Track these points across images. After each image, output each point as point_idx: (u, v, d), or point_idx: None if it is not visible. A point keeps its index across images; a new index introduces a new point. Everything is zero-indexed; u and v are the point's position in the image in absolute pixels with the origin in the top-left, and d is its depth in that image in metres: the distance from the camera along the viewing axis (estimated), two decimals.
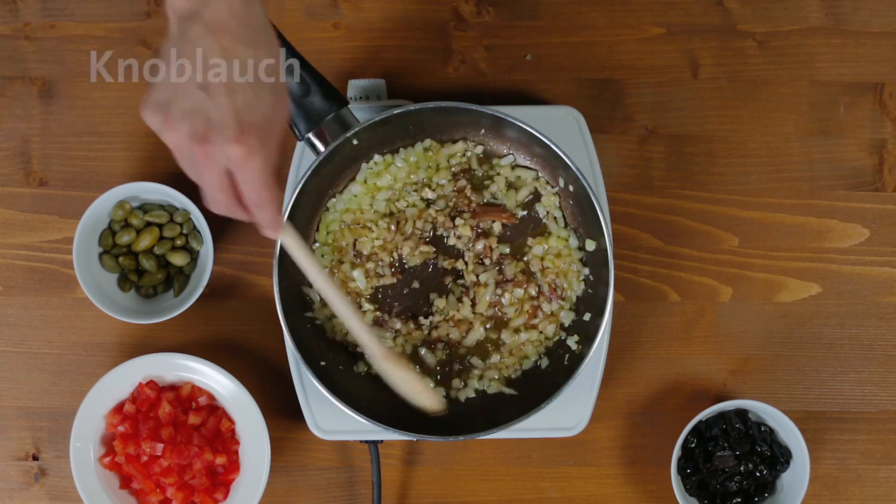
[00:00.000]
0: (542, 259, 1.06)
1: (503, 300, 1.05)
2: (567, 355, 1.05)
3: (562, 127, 1.08)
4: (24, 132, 1.16)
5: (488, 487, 1.15)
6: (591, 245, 1.05)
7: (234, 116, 0.74)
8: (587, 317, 1.05)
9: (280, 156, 0.79)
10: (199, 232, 1.12)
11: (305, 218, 1.05)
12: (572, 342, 1.05)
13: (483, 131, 1.06)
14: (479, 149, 1.07)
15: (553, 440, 1.14)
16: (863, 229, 1.16)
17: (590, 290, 1.06)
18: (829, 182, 1.17)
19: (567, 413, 1.07)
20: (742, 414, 1.11)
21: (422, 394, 1.01)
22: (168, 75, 0.75)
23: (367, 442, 1.09)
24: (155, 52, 0.76)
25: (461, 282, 1.06)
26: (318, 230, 1.07)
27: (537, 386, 1.05)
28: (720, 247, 1.16)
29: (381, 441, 1.10)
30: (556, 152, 1.00)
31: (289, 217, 1.01)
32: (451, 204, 1.06)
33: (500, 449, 1.15)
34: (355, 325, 0.98)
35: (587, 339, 1.03)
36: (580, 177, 1.00)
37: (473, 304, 1.05)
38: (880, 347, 1.16)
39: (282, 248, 1.01)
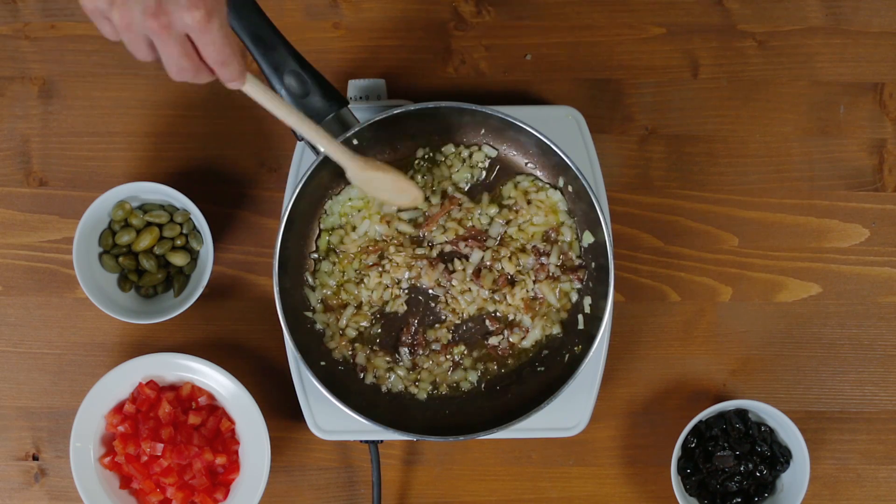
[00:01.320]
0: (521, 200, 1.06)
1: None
2: (567, 355, 1.05)
3: (562, 127, 1.08)
4: (24, 132, 1.16)
5: (488, 487, 1.15)
6: (588, 238, 1.05)
7: None
8: (588, 305, 1.05)
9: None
10: (199, 232, 1.12)
11: (305, 218, 1.05)
12: (587, 304, 1.05)
13: (483, 131, 1.06)
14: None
15: (553, 440, 1.14)
16: (863, 229, 1.16)
17: (589, 289, 1.06)
18: (829, 182, 1.17)
19: (567, 413, 1.07)
20: (742, 414, 1.11)
21: (406, 190, 1.01)
22: None
23: (367, 442, 1.09)
24: None
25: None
26: (318, 237, 1.07)
27: (537, 386, 1.05)
28: (720, 247, 1.16)
29: (381, 441, 1.10)
30: (556, 152, 1.00)
31: (288, 217, 1.01)
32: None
33: (500, 449, 1.15)
34: (329, 146, 0.96)
35: (587, 339, 1.03)
36: (580, 177, 1.00)
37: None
38: (880, 347, 1.16)
39: (282, 248, 1.01)
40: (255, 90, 0.87)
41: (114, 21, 0.75)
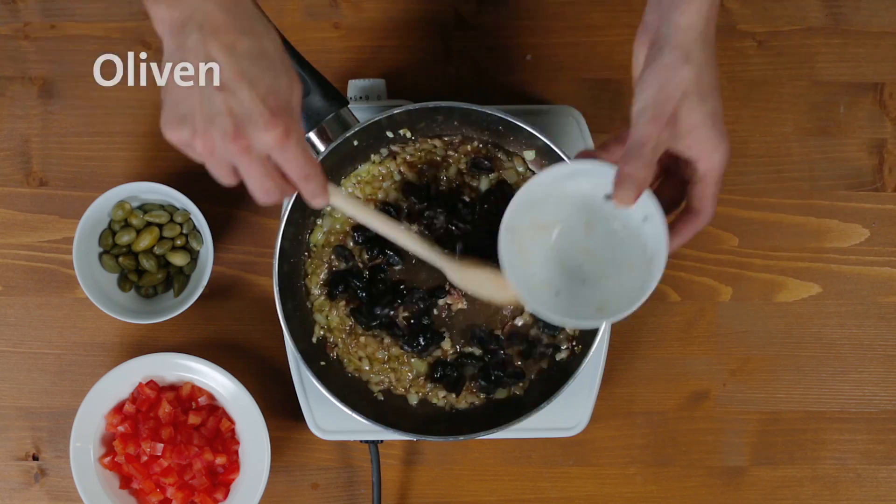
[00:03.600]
0: None
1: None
2: (567, 355, 1.05)
3: (562, 127, 1.08)
4: (24, 132, 1.16)
5: (488, 487, 1.15)
6: None
7: (261, 104, 0.75)
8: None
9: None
10: (199, 232, 1.12)
11: (304, 219, 1.05)
12: None
13: (483, 131, 1.06)
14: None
15: (553, 440, 1.14)
16: (863, 229, 1.16)
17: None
18: (829, 182, 1.17)
19: (567, 413, 1.07)
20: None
21: (505, 287, 0.97)
22: (176, 89, 0.75)
23: (367, 442, 1.09)
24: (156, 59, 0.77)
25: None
26: (311, 232, 1.07)
27: (537, 386, 1.05)
28: (720, 247, 1.16)
29: (381, 441, 1.10)
30: (556, 152, 1.00)
31: (288, 217, 1.01)
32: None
33: (500, 449, 1.15)
34: (424, 251, 0.95)
35: (587, 339, 1.03)
36: None
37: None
38: (880, 347, 1.16)
39: (281, 248, 1.01)
40: (342, 202, 0.88)
41: (196, 149, 0.76)
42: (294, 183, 0.81)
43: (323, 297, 1.05)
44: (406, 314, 1.06)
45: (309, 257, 1.06)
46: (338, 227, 1.06)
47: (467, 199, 1.05)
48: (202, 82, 0.74)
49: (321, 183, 0.82)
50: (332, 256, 1.05)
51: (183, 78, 0.75)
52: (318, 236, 1.06)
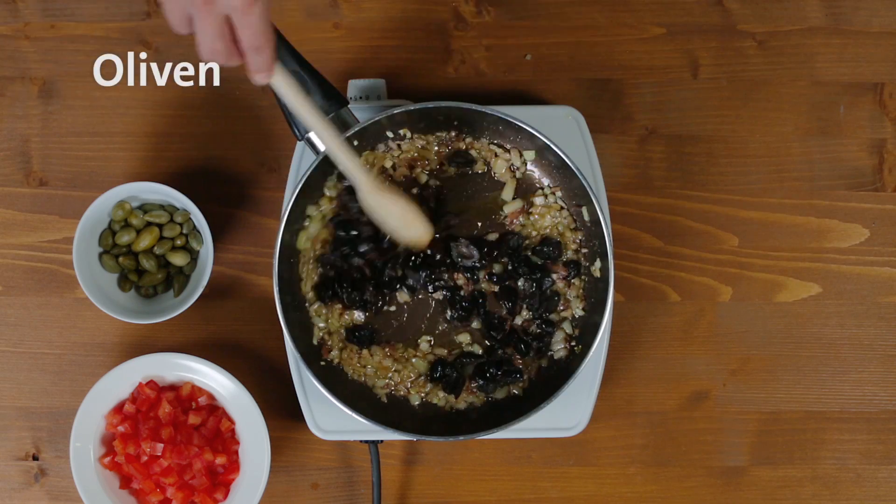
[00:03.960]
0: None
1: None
2: (567, 355, 1.05)
3: (562, 127, 1.08)
4: (24, 132, 1.16)
5: (488, 487, 1.15)
6: (584, 214, 1.04)
7: None
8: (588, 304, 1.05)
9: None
10: (199, 232, 1.12)
11: (304, 218, 1.05)
12: (596, 269, 1.05)
13: (483, 131, 1.06)
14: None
15: (553, 440, 1.14)
16: (863, 229, 1.16)
17: (590, 288, 1.06)
18: (829, 182, 1.17)
19: (567, 413, 1.07)
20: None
21: (414, 222, 0.99)
22: None
23: (367, 442, 1.09)
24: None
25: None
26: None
27: (537, 386, 1.05)
28: (720, 247, 1.16)
29: (381, 441, 1.10)
30: (556, 152, 1.00)
31: (288, 217, 1.01)
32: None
33: (500, 449, 1.15)
34: (345, 159, 0.95)
35: (587, 339, 1.03)
36: (580, 177, 1.00)
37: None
38: (880, 347, 1.16)
39: (282, 248, 1.01)
40: (282, 84, 0.86)
41: None
42: (244, 51, 0.80)
43: (318, 304, 1.05)
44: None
45: (299, 262, 1.06)
46: (324, 233, 1.06)
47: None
48: None
49: (270, 57, 0.81)
50: (317, 264, 1.05)
51: None
52: (303, 241, 1.06)
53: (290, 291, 1.04)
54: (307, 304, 1.05)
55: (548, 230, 1.06)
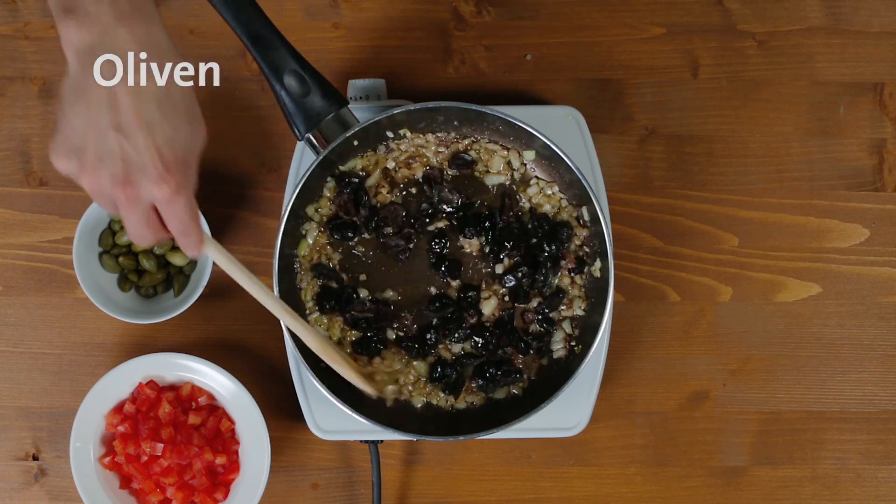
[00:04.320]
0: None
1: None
2: (567, 355, 1.05)
3: (562, 127, 1.08)
4: (24, 132, 1.16)
5: (488, 487, 1.15)
6: (584, 214, 1.04)
7: (156, 155, 0.72)
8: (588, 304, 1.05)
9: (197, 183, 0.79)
10: None
11: (297, 228, 1.05)
12: (596, 269, 1.04)
13: (483, 131, 1.06)
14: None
15: (553, 440, 1.14)
16: (863, 229, 1.16)
17: (590, 288, 1.06)
18: (829, 182, 1.17)
19: (567, 413, 1.07)
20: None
21: (363, 386, 0.99)
22: (73, 117, 0.73)
23: (367, 442, 1.09)
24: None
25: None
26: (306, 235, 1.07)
27: (537, 386, 1.05)
28: (720, 247, 1.16)
29: (381, 441, 1.10)
30: (556, 152, 1.00)
31: (288, 217, 1.01)
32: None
33: (500, 449, 1.15)
34: (289, 322, 0.94)
35: (587, 339, 1.03)
36: (580, 177, 1.00)
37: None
38: (880, 347, 1.16)
39: (281, 249, 1.01)
40: (215, 253, 0.86)
41: (82, 184, 0.74)
42: (172, 233, 0.79)
43: (317, 313, 1.05)
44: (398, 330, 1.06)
45: (300, 269, 1.05)
46: (322, 241, 1.06)
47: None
48: (101, 116, 0.71)
49: (197, 239, 0.80)
50: (314, 274, 1.05)
51: (85, 108, 0.71)
52: (304, 249, 1.06)
53: (291, 292, 1.04)
54: (307, 313, 1.05)
55: (546, 210, 1.05)
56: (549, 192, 1.06)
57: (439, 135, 1.06)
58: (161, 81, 0.72)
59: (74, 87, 0.73)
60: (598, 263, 1.04)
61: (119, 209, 0.76)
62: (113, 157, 0.72)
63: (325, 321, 1.05)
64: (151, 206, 0.76)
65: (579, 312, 1.06)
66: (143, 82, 0.72)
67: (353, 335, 1.05)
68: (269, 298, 0.91)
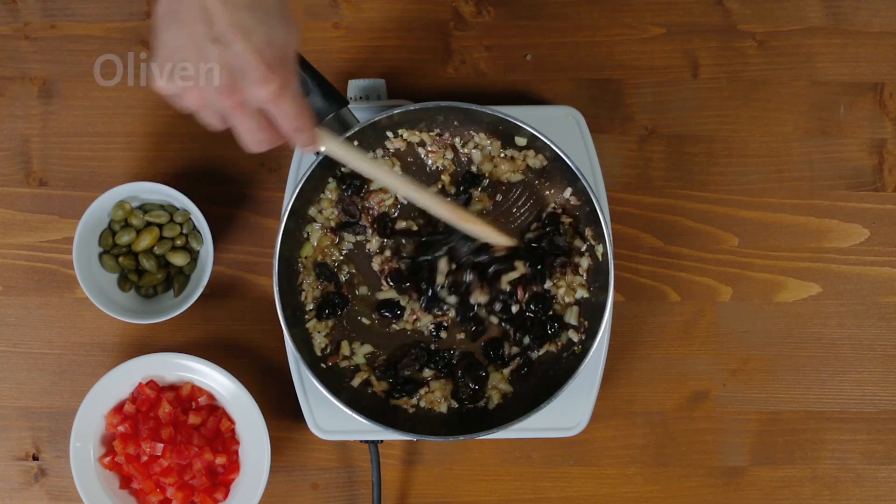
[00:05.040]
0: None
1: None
2: (566, 355, 1.05)
3: (562, 127, 1.08)
4: (24, 132, 1.16)
5: (488, 487, 1.15)
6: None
7: (258, 58, 0.73)
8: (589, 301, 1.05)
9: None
10: (199, 232, 1.12)
11: (298, 230, 1.05)
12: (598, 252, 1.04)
13: (483, 131, 1.06)
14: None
15: (553, 440, 1.14)
16: (863, 229, 1.16)
17: (590, 290, 1.06)
18: (829, 182, 1.17)
19: (567, 413, 1.07)
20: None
21: (499, 236, 1.02)
22: (171, 39, 0.74)
23: (367, 442, 1.09)
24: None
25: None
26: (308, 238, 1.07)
27: (537, 386, 1.05)
28: (720, 247, 1.16)
29: (381, 441, 1.10)
30: (556, 152, 1.00)
31: (288, 217, 1.01)
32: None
33: (500, 449, 1.15)
34: (425, 200, 0.97)
35: (587, 339, 1.03)
36: (580, 177, 1.00)
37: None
38: (880, 347, 1.16)
39: (281, 249, 1.01)
40: (335, 148, 0.89)
41: (189, 102, 0.76)
42: (286, 134, 0.81)
43: (314, 320, 1.05)
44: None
45: (302, 270, 1.05)
46: (326, 243, 1.06)
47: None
48: (197, 31, 0.72)
49: (312, 134, 0.82)
50: (317, 274, 1.05)
51: (180, 25, 0.73)
52: (307, 250, 1.06)
53: (291, 293, 1.04)
54: (306, 319, 1.05)
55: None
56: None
57: (433, 133, 1.06)
58: None
59: (167, 10, 0.74)
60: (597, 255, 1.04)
61: (229, 120, 0.78)
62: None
63: (323, 330, 1.05)
64: (259, 110, 0.78)
65: (584, 294, 1.05)
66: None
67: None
68: (400, 182, 0.95)
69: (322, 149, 0.87)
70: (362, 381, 1.05)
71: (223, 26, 0.72)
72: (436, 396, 1.05)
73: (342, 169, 1.05)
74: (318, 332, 1.05)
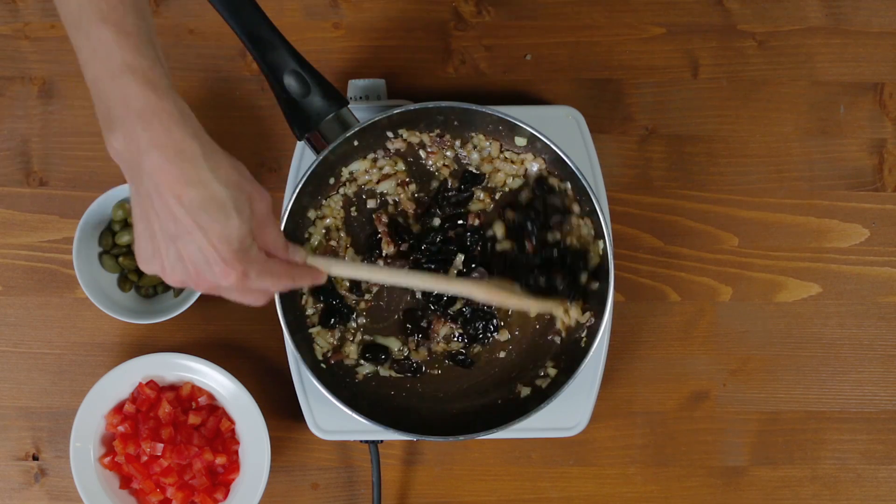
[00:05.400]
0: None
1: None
2: (566, 356, 1.05)
3: (562, 127, 1.08)
4: (24, 132, 1.16)
5: (488, 487, 1.15)
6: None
7: (215, 254, 0.77)
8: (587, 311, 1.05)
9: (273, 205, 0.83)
10: None
11: (302, 218, 1.05)
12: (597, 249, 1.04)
13: (482, 131, 1.06)
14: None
15: (553, 440, 1.14)
16: (863, 229, 1.16)
17: (591, 289, 1.06)
18: (829, 182, 1.17)
19: (567, 413, 1.07)
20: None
21: (518, 305, 1.02)
22: (142, 230, 0.79)
23: (367, 442, 1.09)
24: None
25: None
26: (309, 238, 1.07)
27: (538, 386, 1.05)
28: (720, 247, 1.16)
29: (381, 441, 1.10)
30: (556, 152, 1.00)
31: (287, 219, 1.01)
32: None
33: (500, 449, 1.15)
34: (432, 285, 0.97)
35: (587, 340, 1.03)
36: (580, 177, 1.00)
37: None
38: (880, 347, 1.16)
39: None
40: (338, 269, 0.91)
41: (173, 283, 0.80)
42: (287, 288, 0.85)
43: (318, 327, 1.05)
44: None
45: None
46: (326, 245, 1.06)
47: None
48: (160, 228, 0.77)
49: (309, 275, 0.86)
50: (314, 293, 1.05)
51: (145, 221, 0.78)
52: (308, 251, 1.05)
53: (291, 293, 1.04)
54: (308, 325, 1.05)
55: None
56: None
57: (432, 134, 1.06)
58: (198, 187, 0.77)
59: (137, 204, 0.79)
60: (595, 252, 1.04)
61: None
62: (181, 263, 0.78)
63: (328, 338, 1.05)
64: (243, 275, 0.81)
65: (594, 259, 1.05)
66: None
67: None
68: (401, 278, 0.96)
69: (332, 273, 0.89)
70: (369, 373, 1.05)
71: (183, 225, 0.76)
72: (441, 340, 1.05)
73: (344, 167, 1.05)
74: (322, 338, 1.05)
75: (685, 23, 1.17)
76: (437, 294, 1.05)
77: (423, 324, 1.05)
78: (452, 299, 1.05)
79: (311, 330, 1.04)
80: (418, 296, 1.06)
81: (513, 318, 1.06)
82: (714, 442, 1.15)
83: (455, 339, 1.06)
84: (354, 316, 1.05)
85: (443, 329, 1.06)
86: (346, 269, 0.92)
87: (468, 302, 1.05)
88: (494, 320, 1.06)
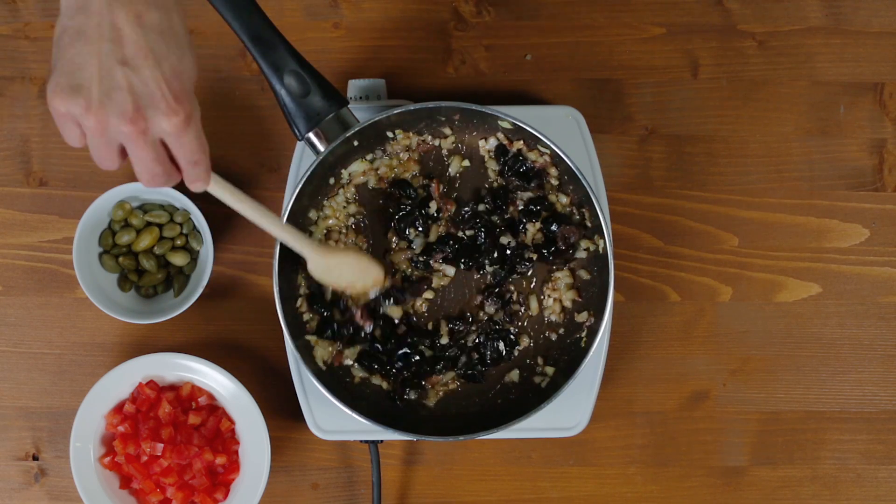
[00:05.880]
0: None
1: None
2: (566, 356, 1.05)
3: (562, 127, 1.08)
4: (24, 132, 1.16)
5: (488, 487, 1.15)
6: (585, 214, 1.04)
7: (166, 87, 0.71)
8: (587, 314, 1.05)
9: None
10: (199, 232, 1.12)
11: (303, 218, 1.05)
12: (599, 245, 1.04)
13: (482, 132, 1.06)
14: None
15: (553, 440, 1.14)
16: (863, 229, 1.16)
17: (591, 290, 1.06)
18: (829, 182, 1.17)
19: (567, 413, 1.07)
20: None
21: (368, 269, 1.01)
22: (74, 55, 0.70)
23: (367, 442, 1.09)
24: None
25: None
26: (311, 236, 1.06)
27: (538, 386, 1.05)
28: (720, 247, 1.16)
29: (381, 441, 1.10)
30: (556, 152, 1.00)
31: (288, 217, 1.01)
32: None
33: (500, 449, 1.15)
34: (291, 239, 0.96)
35: (587, 340, 1.03)
36: (580, 177, 1.00)
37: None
38: (880, 347, 1.16)
39: (281, 249, 1.00)
40: (219, 189, 0.87)
41: (86, 126, 0.72)
42: (181, 166, 0.78)
43: (315, 336, 1.05)
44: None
45: (302, 271, 1.05)
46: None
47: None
48: (103, 51, 0.69)
49: (207, 168, 0.80)
50: (309, 306, 1.05)
51: (85, 43, 0.69)
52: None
53: (291, 294, 1.04)
54: (307, 330, 1.05)
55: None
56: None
57: (423, 136, 1.06)
58: (161, 10, 0.71)
59: (71, 25, 0.70)
60: (593, 250, 1.04)
61: (127, 147, 0.74)
62: (121, 92, 0.70)
63: (326, 347, 1.05)
64: (160, 141, 0.75)
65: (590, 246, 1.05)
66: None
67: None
68: (278, 227, 0.93)
69: (209, 187, 0.84)
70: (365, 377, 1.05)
71: (133, 48, 0.70)
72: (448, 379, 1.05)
73: (344, 169, 1.05)
74: (321, 347, 1.05)
75: (685, 23, 1.17)
76: (441, 344, 1.05)
77: (417, 379, 1.05)
78: (454, 358, 1.05)
79: (307, 337, 1.04)
80: (421, 347, 1.05)
81: (526, 322, 1.06)
82: (714, 442, 1.15)
83: (457, 384, 1.06)
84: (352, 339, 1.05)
85: (440, 380, 1.06)
86: (221, 190, 0.87)
87: (479, 328, 1.05)
88: (511, 336, 1.05)
